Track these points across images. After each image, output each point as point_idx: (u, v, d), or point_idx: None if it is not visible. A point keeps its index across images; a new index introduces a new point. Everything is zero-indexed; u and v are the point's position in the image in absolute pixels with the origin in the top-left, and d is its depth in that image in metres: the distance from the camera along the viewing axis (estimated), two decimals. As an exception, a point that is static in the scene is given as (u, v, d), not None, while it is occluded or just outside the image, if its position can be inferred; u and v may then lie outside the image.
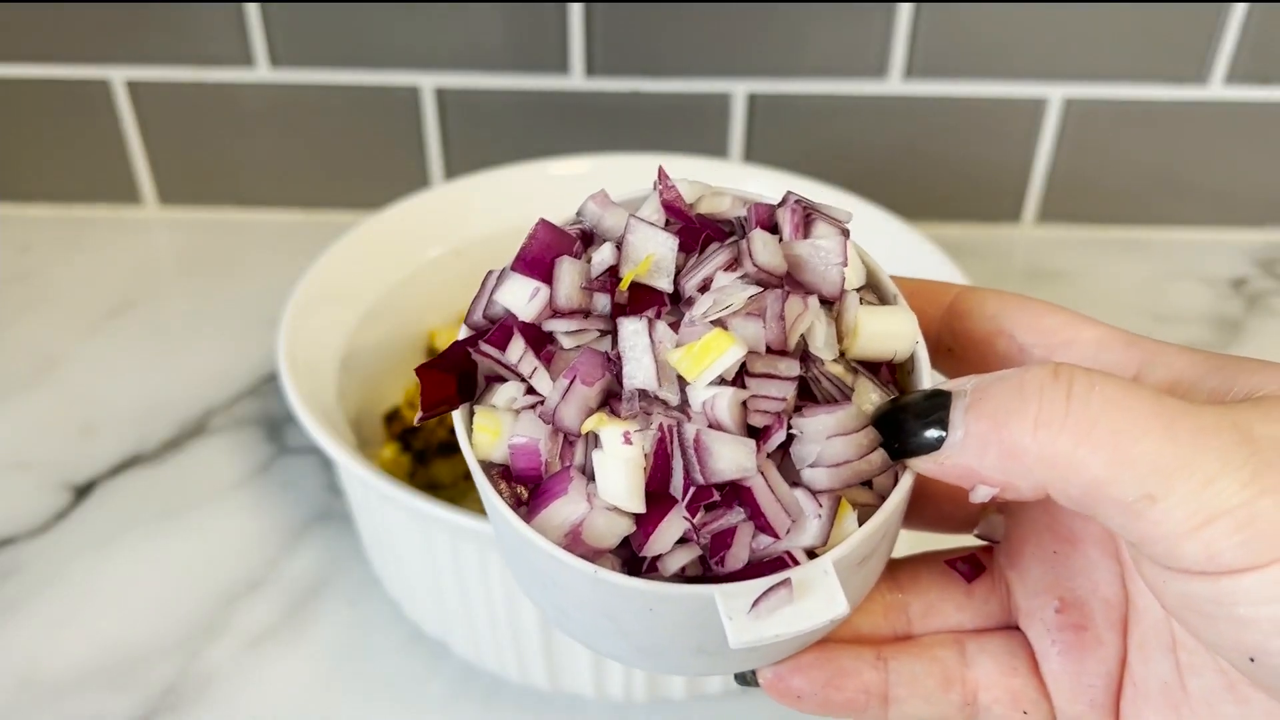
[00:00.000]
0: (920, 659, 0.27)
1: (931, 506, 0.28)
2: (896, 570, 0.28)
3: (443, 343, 0.50)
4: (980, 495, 0.22)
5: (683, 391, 0.24)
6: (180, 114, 0.68)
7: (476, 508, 0.41)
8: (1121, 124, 0.65)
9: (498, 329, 0.25)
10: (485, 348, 0.25)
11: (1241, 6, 0.60)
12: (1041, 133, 0.65)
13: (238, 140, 0.69)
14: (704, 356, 0.23)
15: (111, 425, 0.55)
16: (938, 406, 0.22)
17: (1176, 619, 0.22)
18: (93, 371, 0.59)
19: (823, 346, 0.24)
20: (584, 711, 0.42)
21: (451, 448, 0.45)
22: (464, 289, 0.55)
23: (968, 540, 0.28)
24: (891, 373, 0.26)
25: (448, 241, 0.51)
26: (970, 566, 0.27)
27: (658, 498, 0.23)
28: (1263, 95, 0.64)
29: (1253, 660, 0.21)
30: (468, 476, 0.44)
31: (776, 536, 0.23)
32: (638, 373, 0.24)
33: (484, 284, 0.26)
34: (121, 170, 0.70)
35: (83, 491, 0.51)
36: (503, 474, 0.25)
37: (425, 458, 0.45)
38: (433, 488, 0.45)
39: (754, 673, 0.27)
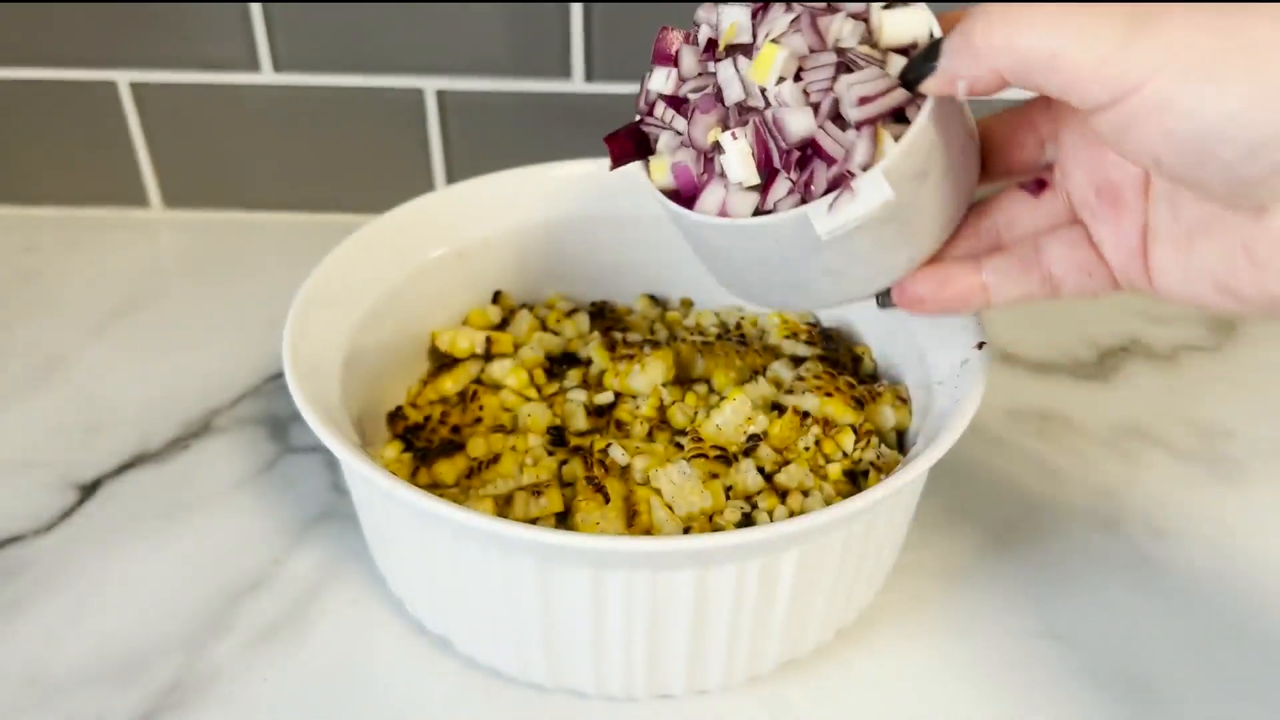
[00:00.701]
0: (1006, 257, 0.37)
1: (999, 160, 0.38)
2: (988, 202, 0.38)
3: (444, 343, 0.50)
4: (960, 91, 0.32)
5: (764, 98, 0.35)
6: (185, 117, 0.68)
7: (479, 506, 0.42)
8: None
9: (651, 104, 0.39)
10: (646, 118, 0.39)
11: (1237, 12, 0.61)
12: (1039, 137, 0.66)
13: (242, 143, 0.69)
14: (764, 64, 0.35)
15: (116, 424, 0.56)
16: (934, 48, 0.33)
17: (1116, 149, 0.31)
18: (98, 371, 0.59)
19: (849, 37, 0.35)
20: (584, 708, 0.42)
21: (453, 447, 0.45)
22: (466, 290, 0.56)
23: None
24: None
25: (450, 243, 0.52)
26: (1036, 184, 0.37)
27: (768, 175, 0.36)
28: (1258, 100, 0.64)
29: (1158, 163, 0.30)
30: (469, 475, 0.44)
31: (836, 161, 0.34)
32: (731, 90, 0.36)
33: (640, 84, 0.39)
34: (127, 172, 0.71)
35: (88, 490, 0.52)
36: (671, 196, 0.38)
37: (428, 457, 0.45)
38: (435, 487, 0.45)
39: (887, 293, 0.38)
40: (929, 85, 0.33)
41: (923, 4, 0.36)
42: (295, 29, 0.65)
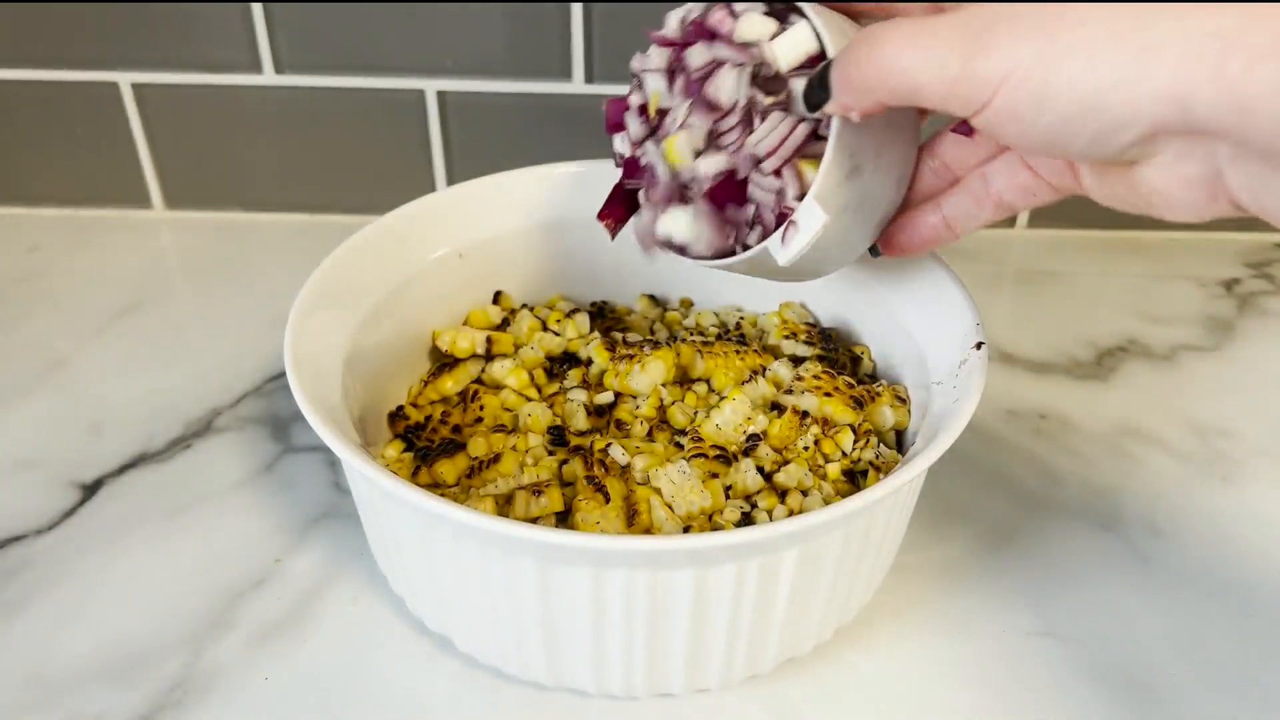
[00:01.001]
0: (960, 193, 0.41)
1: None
2: (935, 145, 0.41)
3: (445, 343, 0.51)
4: (855, 117, 0.35)
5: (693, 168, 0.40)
6: (187, 118, 0.69)
7: (480, 505, 0.42)
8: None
9: (623, 166, 0.43)
10: (626, 179, 0.43)
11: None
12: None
13: (244, 144, 0.70)
14: (672, 155, 0.40)
15: (119, 424, 0.56)
16: (823, 77, 0.36)
17: (998, 140, 0.35)
18: (100, 371, 0.60)
19: (738, 91, 0.38)
20: (584, 707, 0.42)
21: (454, 447, 0.46)
22: (466, 290, 0.56)
23: None
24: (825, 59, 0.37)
25: (451, 244, 0.52)
26: (965, 125, 0.40)
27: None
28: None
29: (1028, 151, 0.35)
30: (470, 475, 0.44)
31: (773, 204, 0.39)
32: (662, 173, 0.41)
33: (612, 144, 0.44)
34: (129, 173, 0.71)
35: (90, 489, 0.52)
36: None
37: (428, 457, 0.45)
38: (435, 487, 0.45)
39: (875, 246, 0.42)
40: (829, 110, 0.36)
41: (808, 6, 0.37)
42: (296, 30, 0.65)
